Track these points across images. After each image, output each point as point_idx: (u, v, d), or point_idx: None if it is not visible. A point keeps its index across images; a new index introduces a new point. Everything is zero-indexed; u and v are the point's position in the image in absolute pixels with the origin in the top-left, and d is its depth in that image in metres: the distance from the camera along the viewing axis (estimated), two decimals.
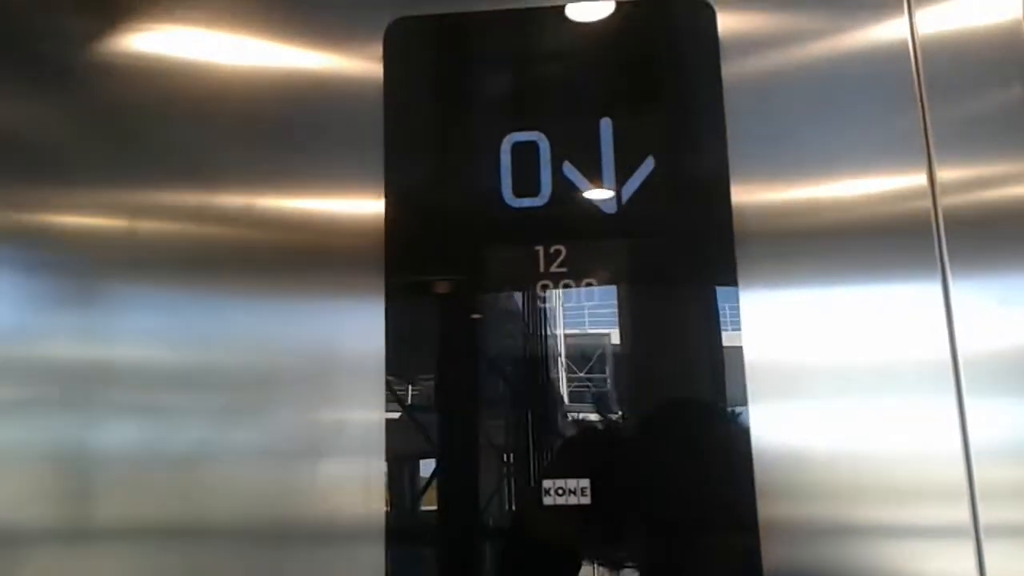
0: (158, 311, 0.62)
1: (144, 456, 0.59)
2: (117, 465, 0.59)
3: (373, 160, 0.61)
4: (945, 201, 0.59)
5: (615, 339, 0.58)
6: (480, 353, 0.59)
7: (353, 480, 0.57)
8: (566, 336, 0.58)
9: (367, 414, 0.58)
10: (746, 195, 0.59)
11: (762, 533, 0.53)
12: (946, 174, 0.60)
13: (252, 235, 0.63)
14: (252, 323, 0.61)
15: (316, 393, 0.59)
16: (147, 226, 0.64)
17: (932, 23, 0.62)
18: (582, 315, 0.58)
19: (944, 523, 0.54)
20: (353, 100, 0.64)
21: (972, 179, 0.60)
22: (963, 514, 0.53)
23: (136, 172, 0.65)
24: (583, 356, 0.58)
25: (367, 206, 0.61)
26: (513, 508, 0.56)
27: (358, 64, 0.65)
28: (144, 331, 0.62)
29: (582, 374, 0.58)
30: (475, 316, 0.59)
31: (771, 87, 0.62)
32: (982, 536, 0.53)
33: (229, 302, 0.62)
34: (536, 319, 0.58)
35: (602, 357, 0.58)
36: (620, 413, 0.58)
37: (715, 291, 0.57)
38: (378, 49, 0.63)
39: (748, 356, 0.56)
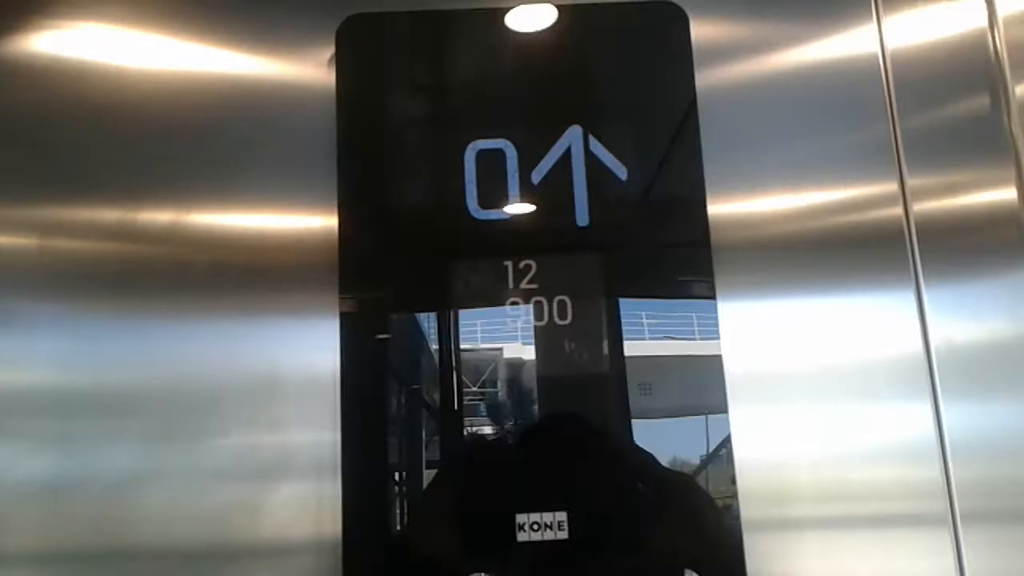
0: (76, 335, 0.56)
1: (66, 482, 0.54)
2: (35, 492, 0.54)
3: (323, 171, 0.57)
4: (917, 208, 0.59)
5: (507, 353, 0.55)
6: (388, 371, 0.55)
7: (301, 502, 0.53)
8: (464, 351, 0.55)
9: (314, 435, 0.54)
10: (717, 205, 0.58)
11: (746, 532, 0.52)
12: (917, 182, 0.60)
13: (182, 253, 0.58)
14: (183, 345, 0.56)
15: (259, 415, 0.55)
16: (61, 245, 0.58)
17: (900, 32, 0.62)
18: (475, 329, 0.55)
19: (923, 516, 0.55)
20: (301, 106, 0.59)
21: (942, 186, 0.60)
22: (941, 507, 0.54)
23: (46, 186, 0.58)
24: (477, 370, 0.55)
25: (316, 221, 0.57)
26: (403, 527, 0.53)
27: (306, 66, 0.60)
28: (60, 356, 0.56)
29: (475, 388, 0.55)
30: (382, 336, 0.55)
31: (741, 96, 0.61)
32: (959, 527, 0.54)
33: (157, 324, 0.57)
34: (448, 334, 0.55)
35: (495, 371, 0.55)
36: (514, 422, 0.55)
37: (618, 301, 0.55)
38: (328, 50, 0.59)
39: (728, 365, 0.55)
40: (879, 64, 0.61)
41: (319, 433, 0.54)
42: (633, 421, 0.54)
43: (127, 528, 0.53)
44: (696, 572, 0.51)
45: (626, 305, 0.55)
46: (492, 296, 0.54)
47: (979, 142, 0.60)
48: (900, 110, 0.60)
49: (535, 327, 0.54)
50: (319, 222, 0.57)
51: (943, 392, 0.56)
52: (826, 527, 0.54)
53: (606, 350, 0.55)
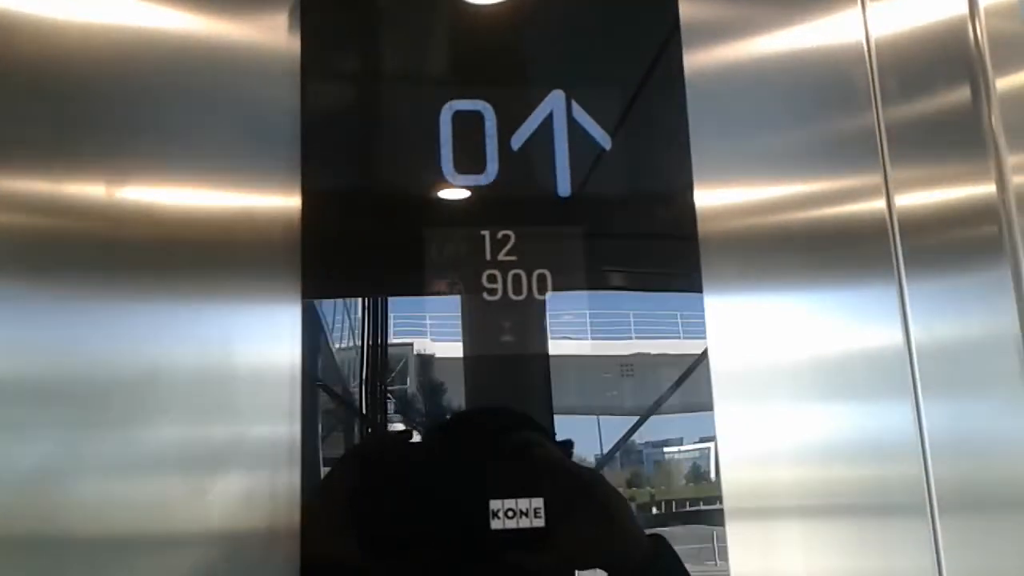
0: None
1: None
2: None
3: (284, 136, 0.52)
4: (899, 201, 0.58)
5: (418, 348, 0.51)
6: (356, 353, 0.51)
7: (253, 492, 0.49)
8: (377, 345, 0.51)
9: (269, 425, 0.49)
10: (701, 195, 0.55)
11: (729, 526, 0.51)
12: (900, 174, 0.58)
13: (119, 229, 0.52)
14: (121, 329, 0.50)
15: (208, 403, 0.49)
16: None
17: (885, 19, 0.61)
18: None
19: (902, 511, 0.54)
20: (258, 64, 0.54)
21: (925, 178, 0.59)
22: (920, 503, 0.53)
23: None
24: (387, 367, 0.52)
25: (276, 190, 0.52)
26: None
27: (266, 20, 0.55)
28: None
29: (389, 385, 0.52)
30: (349, 317, 0.52)
31: (724, 80, 0.59)
32: (938, 522, 0.53)
33: (90, 306, 0.51)
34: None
35: (404, 367, 0.52)
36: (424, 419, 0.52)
37: (544, 302, 0.51)
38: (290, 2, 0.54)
39: (713, 361, 0.53)
40: (863, 51, 0.60)
41: (275, 423, 0.49)
42: (613, 417, 0.51)
43: (54, 516, 0.47)
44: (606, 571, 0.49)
45: (612, 299, 0.52)
46: (466, 268, 0.50)
47: (961, 134, 0.59)
48: (884, 99, 0.59)
49: (513, 304, 0.50)
50: (280, 191, 0.52)
51: (923, 387, 0.55)
52: (807, 522, 0.53)
53: (588, 334, 0.51)
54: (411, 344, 0.51)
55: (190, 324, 0.51)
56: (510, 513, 0.46)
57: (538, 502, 0.46)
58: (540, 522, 0.46)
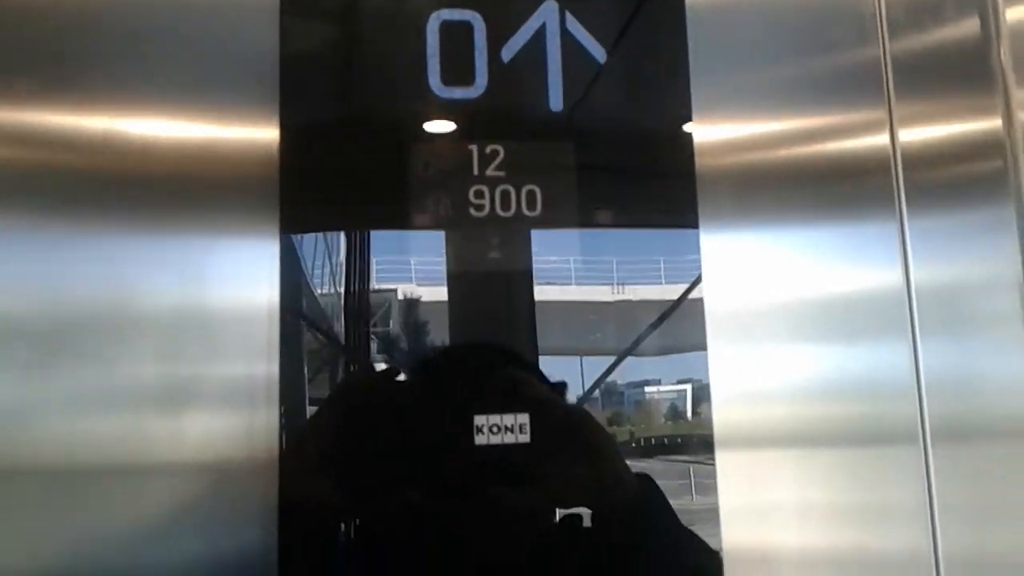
0: None
1: None
2: None
3: (262, 50, 0.49)
4: (903, 136, 0.56)
5: (401, 294, 0.50)
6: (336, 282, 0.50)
7: (231, 427, 0.47)
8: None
9: (247, 363, 0.47)
10: (698, 128, 0.53)
11: (720, 472, 0.50)
12: (905, 109, 0.56)
13: (92, 163, 0.49)
14: (89, 263, 0.48)
15: (184, 341, 0.47)
16: None
17: None
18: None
19: (897, 454, 0.52)
20: None
21: (930, 113, 0.57)
22: (915, 441, 0.52)
23: None
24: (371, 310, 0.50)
25: (255, 107, 0.49)
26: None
27: None
28: None
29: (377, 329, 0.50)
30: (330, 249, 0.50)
31: (726, 10, 0.56)
32: (931, 461, 0.52)
33: (58, 240, 0.48)
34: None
35: (387, 311, 0.50)
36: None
37: (530, 235, 0.49)
38: None
39: (707, 299, 0.52)
40: None
41: (252, 360, 0.47)
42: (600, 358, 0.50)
43: (27, 448, 0.45)
44: (591, 510, 0.47)
45: (603, 233, 0.50)
46: (452, 184, 0.47)
47: (968, 68, 0.57)
48: (891, 31, 0.57)
49: (501, 220, 0.48)
50: (258, 114, 0.49)
51: (921, 326, 0.53)
52: (798, 458, 0.52)
53: (577, 268, 0.50)
54: (395, 290, 0.49)
55: (163, 258, 0.48)
56: (495, 428, 0.44)
57: (523, 417, 0.44)
58: (526, 437, 0.44)
